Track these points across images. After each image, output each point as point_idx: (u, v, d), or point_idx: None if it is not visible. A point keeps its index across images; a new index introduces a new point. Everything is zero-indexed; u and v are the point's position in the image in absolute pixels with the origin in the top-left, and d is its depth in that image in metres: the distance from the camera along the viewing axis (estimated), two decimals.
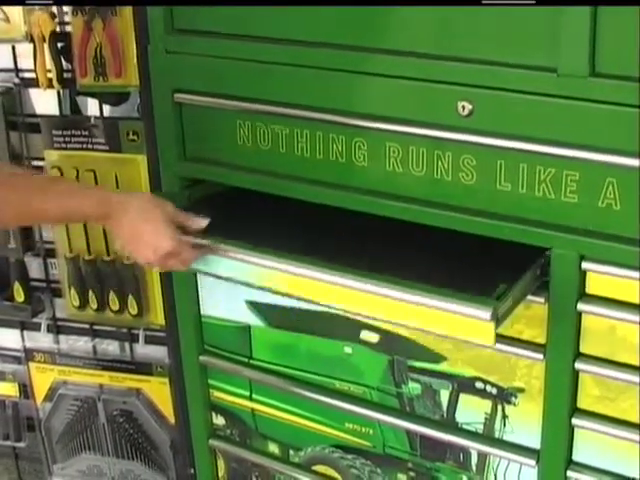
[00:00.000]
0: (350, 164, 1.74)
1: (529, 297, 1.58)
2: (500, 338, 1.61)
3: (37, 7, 2.06)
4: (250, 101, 1.82)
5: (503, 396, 1.70)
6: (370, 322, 1.81)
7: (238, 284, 1.90)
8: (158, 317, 2.21)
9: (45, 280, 2.35)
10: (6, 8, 2.08)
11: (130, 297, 2.21)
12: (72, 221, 2.04)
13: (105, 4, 2.04)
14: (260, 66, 1.78)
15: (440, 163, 1.64)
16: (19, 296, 2.33)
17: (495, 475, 1.77)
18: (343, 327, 1.86)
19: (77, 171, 2.14)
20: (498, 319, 1.46)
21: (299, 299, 1.76)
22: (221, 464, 2.17)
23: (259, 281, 1.76)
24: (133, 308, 2.21)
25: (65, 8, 2.05)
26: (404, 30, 1.62)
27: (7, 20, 2.10)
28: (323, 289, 1.64)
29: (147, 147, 2.05)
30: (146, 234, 1.69)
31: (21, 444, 2.56)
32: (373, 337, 1.83)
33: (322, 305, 1.74)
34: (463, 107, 1.57)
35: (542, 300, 1.58)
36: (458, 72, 1.56)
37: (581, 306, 1.55)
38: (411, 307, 1.52)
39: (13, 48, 2.18)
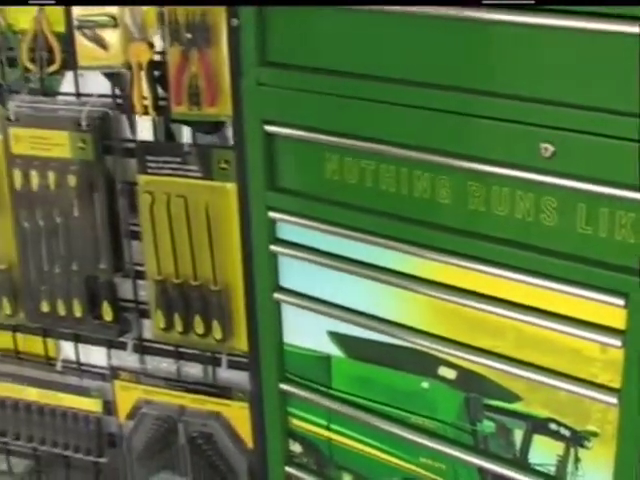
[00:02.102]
0: (433, 201, 1.82)
1: (605, 340, 1.64)
2: (575, 380, 1.67)
3: (137, 37, 2.18)
4: (338, 135, 1.90)
5: (576, 439, 1.75)
6: (448, 358, 1.88)
7: (321, 314, 2.01)
8: (241, 343, 2.30)
9: (133, 301, 2.45)
10: (107, 37, 2.21)
11: (215, 322, 2.29)
12: None
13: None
14: (349, 101, 1.86)
15: (522, 204, 1.71)
16: (107, 315, 2.43)
17: None
18: (421, 362, 1.93)
19: (168, 196, 2.24)
20: None
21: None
22: None
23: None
24: (217, 333, 2.30)
25: (162, 38, 2.16)
26: (491, 71, 1.69)
27: (106, 48, 2.22)
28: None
29: (237, 176, 2.15)
30: None
31: (102, 460, 2.66)
32: (450, 373, 1.90)
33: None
34: (545, 149, 1.62)
35: (619, 344, 1.63)
36: (541, 114, 1.62)
37: None
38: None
39: (111, 75, 2.29)
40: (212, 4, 2.07)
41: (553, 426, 1.77)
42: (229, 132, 2.17)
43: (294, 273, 2.10)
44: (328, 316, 2.04)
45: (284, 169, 2.04)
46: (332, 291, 2.05)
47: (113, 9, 2.19)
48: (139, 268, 2.40)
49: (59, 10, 2.27)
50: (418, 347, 1.92)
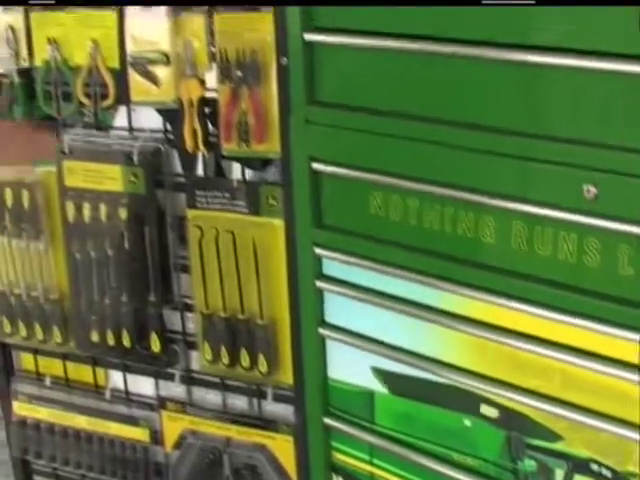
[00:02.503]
0: (477, 240, 1.85)
1: None
2: (617, 421, 1.68)
3: (188, 73, 2.23)
4: (384, 174, 1.94)
5: None
6: (490, 397, 1.90)
7: (365, 350, 2.04)
8: (287, 376, 2.33)
9: (181, 333, 2.50)
10: (159, 73, 2.26)
11: (261, 355, 2.33)
12: None
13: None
14: (395, 140, 1.90)
15: (565, 245, 1.73)
16: (155, 346, 2.48)
17: None
18: (464, 400, 1.95)
19: (217, 231, 2.29)
20: None
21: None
22: None
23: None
24: (263, 366, 2.34)
25: (213, 76, 2.21)
26: (535, 113, 1.72)
27: (158, 84, 2.28)
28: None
29: (285, 212, 2.20)
30: None
31: None
32: (493, 412, 1.92)
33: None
34: (588, 190, 1.65)
35: None
36: (585, 155, 1.65)
37: None
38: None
39: (163, 111, 2.35)
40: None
41: (594, 466, 1.78)
42: (277, 169, 2.21)
43: (339, 309, 2.14)
44: (372, 352, 2.08)
45: (330, 206, 2.09)
46: (376, 327, 2.08)
47: (166, 46, 2.24)
48: (187, 301, 2.45)
49: (114, 46, 2.34)
50: (461, 385, 1.94)
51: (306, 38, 1.99)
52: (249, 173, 2.28)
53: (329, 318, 2.16)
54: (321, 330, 2.16)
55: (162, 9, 2.24)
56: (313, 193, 2.08)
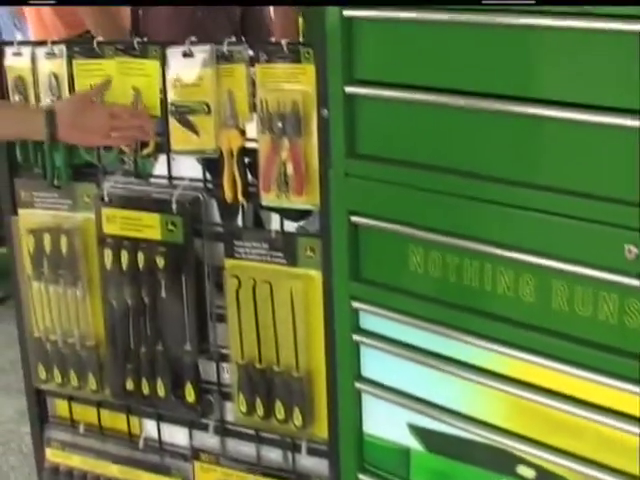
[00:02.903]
0: (517, 299, 1.86)
1: None
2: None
3: (229, 123, 2.27)
4: (424, 229, 1.96)
5: None
6: (527, 457, 1.90)
7: (401, 406, 2.04)
8: (322, 430, 2.34)
9: (216, 383, 2.51)
10: (200, 123, 2.30)
11: (296, 408, 2.34)
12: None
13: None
14: (436, 196, 1.92)
15: (605, 305, 1.73)
16: (190, 396, 2.50)
17: None
18: (500, 460, 1.95)
19: (254, 281, 2.31)
20: None
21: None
22: None
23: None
24: (298, 419, 2.34)
25: (254, 126, 2.24)
26: (577, 172, 1.74)
27: (198, 133, 2.32)
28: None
29: (323, 264, 2.22)
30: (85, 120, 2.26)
31: None
32: (529, 473, 1.92)
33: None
34: (630, 250, 1.66)
35: None
36: (626, 216, 1.66)
37: None
38: None
39: (203, 160, 2.38)
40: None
41: None
42: (316, 221, 2.23)
43: (376, 363, 2.15)
44: (408, 408, 2.08)
45: (368, 260, 2.10)
46: (413, 383, 2.09)
47: (208, 97, 2.28)
48: (223, 351, 2.47)
49: (155, 95, 2.38)
50: (497, 444, 1.94)
51: (347, 91, 2.02)
52: (287, 224, 2.31)
53: (365, 372, 2.17)
54: (357, 384, 2.17)
55: (204, 58, 2.28)
56: (351, 246, 2.10)
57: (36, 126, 2.26)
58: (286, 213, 2.30)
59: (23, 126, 2.33)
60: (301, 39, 4.07)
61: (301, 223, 2.27)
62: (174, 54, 2.33)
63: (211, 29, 3.55)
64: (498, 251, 1.85)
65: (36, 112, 2.34)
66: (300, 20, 4.18)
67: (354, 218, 2.07)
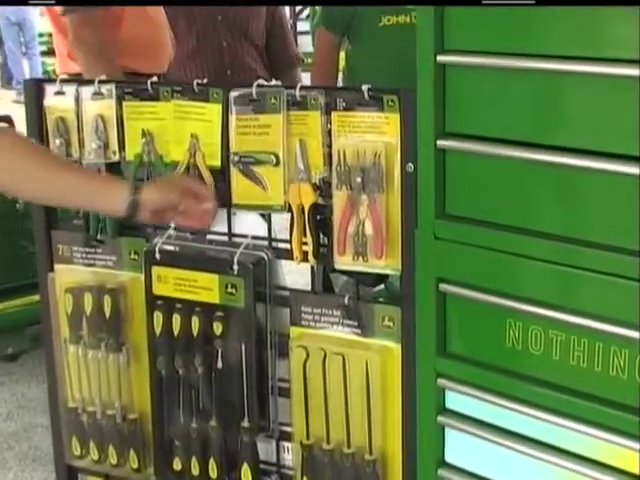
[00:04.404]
0: (633, 381, 1.78)
1: None
2: None
3: (300, 177, 2.21)
4: (523, 301, 1.89)
5: None
6: None
7: None
8: None
9: (276, 464, 2.45)
10: (266, 175, 2.25)
11: None
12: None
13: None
14: (538, 264, 1.86)
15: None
16: (246, 478, 2.43)
17: None
18: None
19: (324, 353, 2.25)
20: None
21: None
22: None
23: None
24: None
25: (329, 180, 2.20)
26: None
27: (264, 187, 2.26)
28: None
29: (403, 336, 2.15)
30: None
31: None
32: None
33: None
34: None
35: None
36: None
37: None
38: None
39: (268, 216, 2.33)
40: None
41: None
42: (396, 287, 2.17)
43: (462, 448, 2.08)
44: None
45: (458, 333, 2.04)
46: (504, 472, 2.02)
47: (276, 146, 2.22)
48: (285, 429, 2.40)
49: (215, 142, 2.33)
50: None
51: (439, 144, 1.96)
52: (363, 290, 2.25)
53: (450, 458, 2.10)
54: (441, 471, 2.10)
55: (272, 103, 2.23)
56: (439, 317, 2.04)
57: (109, 205, 2.21)
58: (361, 277, 2.24)
59: (88, 198, 2.24)
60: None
61: (376, 289, 2.21)
62: (238, 97, 2.29)
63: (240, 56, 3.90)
64: (609, 327, 1.78)
65: (110, 188, 2.25)
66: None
67: (443, 286, 2.01)
